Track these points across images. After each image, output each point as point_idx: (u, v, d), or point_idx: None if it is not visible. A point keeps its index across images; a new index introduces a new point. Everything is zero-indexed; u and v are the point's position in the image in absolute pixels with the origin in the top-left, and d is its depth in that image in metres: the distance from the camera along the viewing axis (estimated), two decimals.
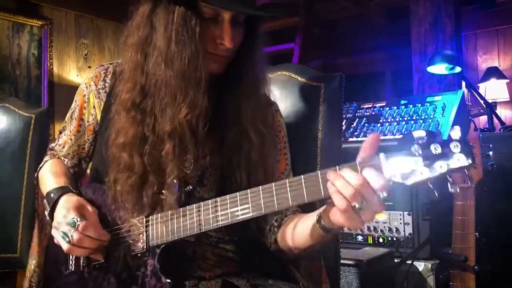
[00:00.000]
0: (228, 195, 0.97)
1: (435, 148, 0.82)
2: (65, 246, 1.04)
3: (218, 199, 0.98)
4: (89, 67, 4.31)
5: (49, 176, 1.21)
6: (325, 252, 1.33)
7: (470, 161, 0.80)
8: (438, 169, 0.81)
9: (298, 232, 1.03)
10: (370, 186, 0.82)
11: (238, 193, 0.96)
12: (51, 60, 3.98)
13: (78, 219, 1.03)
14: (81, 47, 4.27)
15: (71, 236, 1.02)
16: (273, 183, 0.92)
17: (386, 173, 0.83)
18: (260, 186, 0.93)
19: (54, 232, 1.08)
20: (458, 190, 0.84)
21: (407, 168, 0.82)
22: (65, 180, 1.19)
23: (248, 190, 0.94)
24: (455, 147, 0.81)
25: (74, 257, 1.14)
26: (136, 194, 1.06)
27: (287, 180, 0.91)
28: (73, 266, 1.13)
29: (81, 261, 1.12)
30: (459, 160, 0.80)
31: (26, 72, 3.83)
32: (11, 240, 1.72)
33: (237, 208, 0.95)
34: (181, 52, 1.01)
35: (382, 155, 0.84)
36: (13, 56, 3.75)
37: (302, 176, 0.89)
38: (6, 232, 1.74)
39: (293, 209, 1.13)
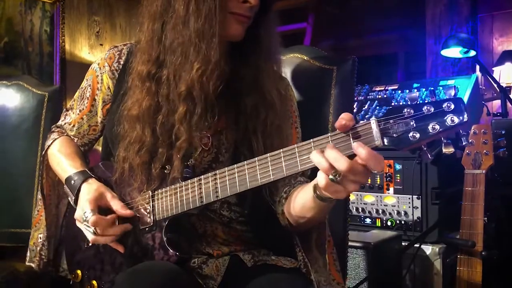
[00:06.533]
0: (226, 168, 0.98)
1: (428, 109, 0.79)
2: (90, 237, 1.09)
3: (217, 171, 1.00)
4: (101, 44, 4.30)
5: (62, 157, 1.23)
6: (333, 234, 1.34)
7: (464, 119, 0.77)
8: (430, 130, 0.79)
9: (300, 201, 1.03)
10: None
11: (235, 165, 0.97)
12: (63, 37, 3.98)
13: (89, 213, 1.07)
14: (93, 25, 4.26)
15: (97, 228, 1.07)
16: (268, 154, 0.93)
17: (377, 139, 0.82)
18: (256, 158, 0.94)
19: (78, 224, 1.13)
20: (452, 150, 0.82)
21: (399, 132, 0.81)
22: (80, 161, 1.22)
23: (245, 162, 0.95)
24: (448, 107, 0.78)
25: None
26: (145, 167, 1.09)
27: (281, 150, 0.91)
28: (90, 242, 1.17)
29: None
30: (452, 120, 0.78)
31: (38, 49, 3.84)
32: (25, 215, 1.76)
33: (235, 180, 0.97)
34: (199, 10, 1.03)
35: (373, 119, 0.83)
36: (25, 33, 3.76)
37: (295, 145, 0.90)
38: (20, 208, 1.78)
39: (300, 180, 1.13)
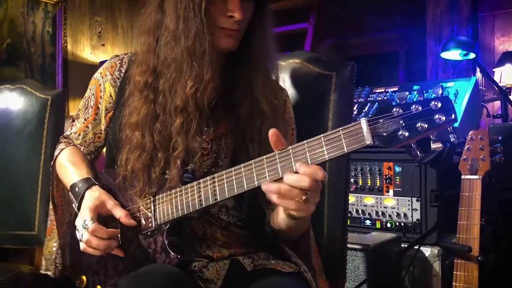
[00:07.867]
0: (224, 171, 1.00)
1: (416, 108, 0.82)
2: (81, 245, 1.11)
3: (216, 175, 1.02)
4: (103, 45, 4.32)
5: (69, 166, 1.25)
6: (332, 236, 1.36)
7: (451, 117, 0.80)
8: (419, 129, 0.81)
9: (278, 217, 1.06)
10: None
11: (233, 168, 0.99)
12: (65, 38, 4.00)
13: (89, 222, 1.09)
14: (94, 25, 4.28)
15: (81, 235, 1.09)
16: (264, 156, 0.95)
17: (367, 138, 0.84)
18: (253, 160, 0.96)
19: (77, 231, 1.14)
20: (440, 146, 0.85)
21: (388, 131, 0.83)
22: (86, 169, 1.24)
23: (242, 165, 0.97)
24: (435, 105, 0.81)
25: None
26: (146, 171, 1.12)
27: (276, 152, 0.93)
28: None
29: None
30: (440, 117, 0.80)
31: (40, 49, 3.85)
32: (29, 218, 1.78)
33: (232, 183, 0.98)
34: (188, 28, 1.07)
35: (363, 119, 0.85)
36: (28, 34, 3.77)
37: (290, 147, 0.93)
38: (24, 210, 1.79)
39: None
